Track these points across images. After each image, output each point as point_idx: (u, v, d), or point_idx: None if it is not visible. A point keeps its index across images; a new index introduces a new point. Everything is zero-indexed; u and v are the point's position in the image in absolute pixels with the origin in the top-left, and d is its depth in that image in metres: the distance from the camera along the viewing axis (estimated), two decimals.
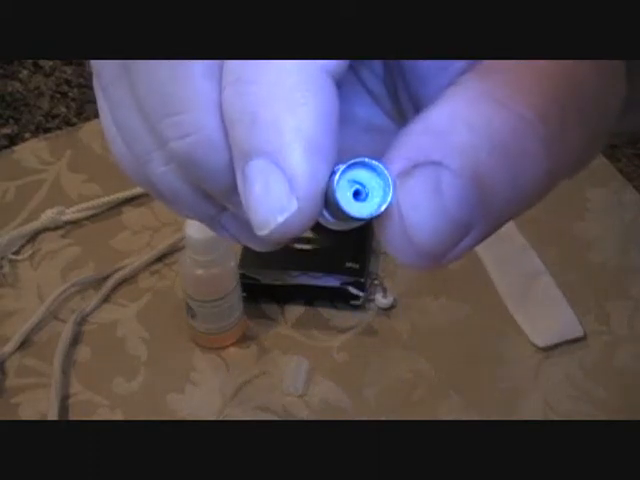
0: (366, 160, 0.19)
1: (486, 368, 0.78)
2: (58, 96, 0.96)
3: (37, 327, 0.79)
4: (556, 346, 0.78)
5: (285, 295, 0.81)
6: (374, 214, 0.20)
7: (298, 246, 0.81)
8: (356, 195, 0.20)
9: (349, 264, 0.80)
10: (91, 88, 0.24)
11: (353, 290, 0.79)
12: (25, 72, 0.98)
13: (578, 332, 0.79)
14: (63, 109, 0.95)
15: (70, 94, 0.96)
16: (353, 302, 0.80)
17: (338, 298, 0.80)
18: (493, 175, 0.19)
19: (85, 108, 0.95)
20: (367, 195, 0.20)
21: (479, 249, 0.84)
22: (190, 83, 0.21)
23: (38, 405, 0.74)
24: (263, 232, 0.20)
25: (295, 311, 0.81)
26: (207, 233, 0.70)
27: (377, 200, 0.19)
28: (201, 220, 0.25)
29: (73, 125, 0.94)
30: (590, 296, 0.82)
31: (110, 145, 0.25)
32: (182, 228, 0.71)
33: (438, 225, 0.19)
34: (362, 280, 0.80)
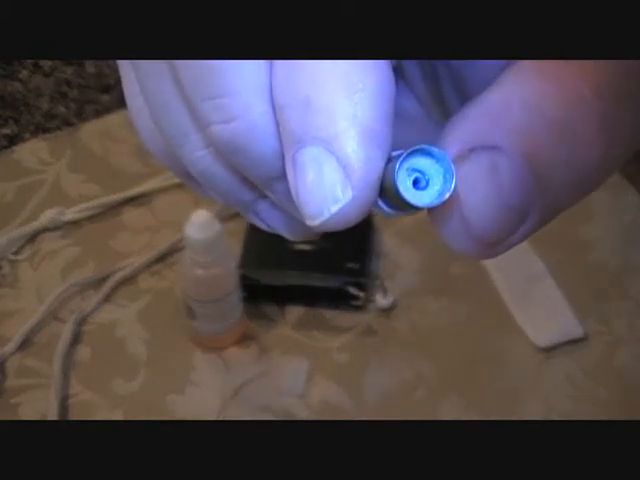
0: (425, 147, 0.19)
1: (486, 368, 0.78)
2: (58, 96, 0.96)
3: (37, 327, 0.79)
4: (556, 346, 0.79)
5: (285, 295, 0.81)
6: (436, 202, 0.19)
7: (298, 246, 0.81)
8: (415, 184, 0.19)
9: (349, 264, 0.80)
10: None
11: (353, 290, 0.79)
12: (25, 72, 0.98)
13: (578, 332, 0.79)
14: (63, 109, 0.95)
15: (70, 94, 0.96)
16: (353, 302, 0.80)
17: (338, 298, 0.80)
18: (548, 154, 0.18)
19: (85, 108, 0.95)
20: (427, 183, 0.19)
21: None
22: (238, 64, 0.19)
23: (38, 405, 0.74)
24: (314, 222, 0.19)
25: (295, 311, 0.81)
26: (207, 233, 0.70)
27: (437, 188, 0.19)
28: (233, 205, 0.24)
29: (73, 125, 0.94)
30: (590, 296, 0.82)
31: (134, 120, 0.23)
32: (182, 228, 0.71)
33: (495, 210, 0.19)
34: (362, 280, 0.80)
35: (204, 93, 0.20)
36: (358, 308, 0.81)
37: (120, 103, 0.94)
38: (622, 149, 0.20)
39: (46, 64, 0.98)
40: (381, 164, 0.19)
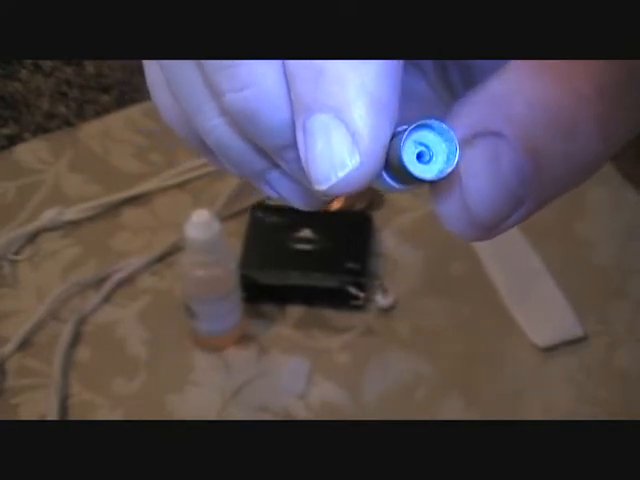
0: (434, 122, 0.19)
1: (486, 368, 0.78)
2: (58, 96, 0.96)
3: (37, 327, 0.79)
4: (556, 346, 0.78)
5: (285, 295, 0.81)
6: (437, 177, 0.19)
7: (298, 246, 0.81)
8: (419, 157, 0.19)
9: (349, 264, 0.80)
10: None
11: (353, 290, 0.79)
12: (25, 72, 0.98)
13: (578, 332, 0.79)
14: (63, 109, 0.95)
15: (70, 94, 0.96)
16: (353, 302, 0.80)
17: (338, 298, 0.80)
18: (548, 147, 0.19)
19: (85, 108, 0.95)
20: (431, 158, 0.19)
21: (479, 249, 0.84)
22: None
23: (38, 405, 0.74)
24: (322, 187, 0.20)
25: (295, 311, 0.81)
26: (207, 233, 0.70)
27: (440, 164, 0.19)
28: (246, 176, 0.24)
29: (73, 125, 0.94)
30: (590, 296, 0.82)
31: (153, 93, 0.24)
32: (182, 228, 0.71)
33: (495, 195, 0.20)
34: (362, 280, 0.80)
35: (219, 62, 0.20)
36: (358, 308, 0.81)
37: (120, 103, 0.94)
38: (618, 145, 0.20)
39: (46, 64, 0.98)
40: (388, 133, 0.20)
